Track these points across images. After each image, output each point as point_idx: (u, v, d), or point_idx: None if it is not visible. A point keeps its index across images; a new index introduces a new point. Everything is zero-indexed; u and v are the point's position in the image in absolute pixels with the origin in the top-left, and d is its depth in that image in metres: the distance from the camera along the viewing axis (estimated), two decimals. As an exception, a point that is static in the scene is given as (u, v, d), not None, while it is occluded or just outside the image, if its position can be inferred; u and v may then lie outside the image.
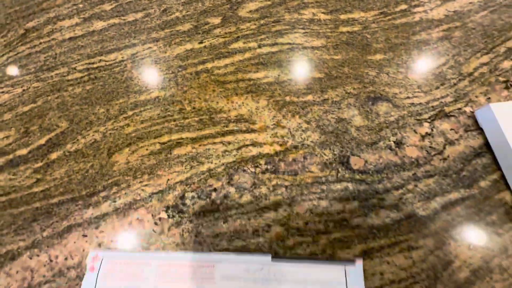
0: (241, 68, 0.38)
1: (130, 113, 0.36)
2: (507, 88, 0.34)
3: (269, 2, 0.42)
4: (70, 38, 0.42)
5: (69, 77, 0.39)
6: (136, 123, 0.35)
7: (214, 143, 0.33)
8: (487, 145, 0.31)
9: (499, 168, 0.30)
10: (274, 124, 0.34)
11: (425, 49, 0.37)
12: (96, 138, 0.34)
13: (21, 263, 0.29)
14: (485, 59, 0.36)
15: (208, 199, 0.30)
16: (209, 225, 0.29)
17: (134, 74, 0.38)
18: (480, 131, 0.32)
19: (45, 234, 0.30)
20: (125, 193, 0.31)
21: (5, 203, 0.32)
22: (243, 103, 0.35)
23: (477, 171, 0.30)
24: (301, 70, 0.37)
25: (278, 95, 0.35)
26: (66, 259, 0.29)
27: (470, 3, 0.40)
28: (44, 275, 0.28)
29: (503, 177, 0.29)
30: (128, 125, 0.35)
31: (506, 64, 0.35)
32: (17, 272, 0.29)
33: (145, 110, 0.36)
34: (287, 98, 0.35)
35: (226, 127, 0.34)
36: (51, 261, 0.29)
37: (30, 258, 0.29)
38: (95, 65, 0.39)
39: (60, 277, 0.28)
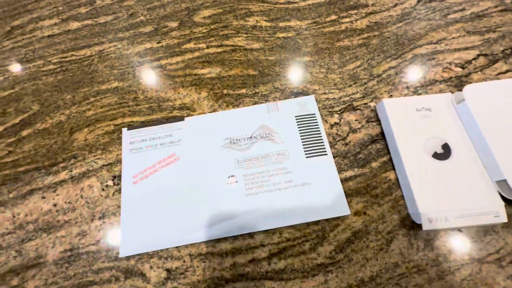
0: (189, 65, 0.44)
1: (92, 99, 0.42)
2: (407, 87, 0.40)
3: (220, 10, 0.49)
4: (49, 36, 0.49)
5: (44, 68, 0.45)
6: (96, 108, 0.41)
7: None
8: (382, 133, 0.37)
9: (388, 152, 0.36)
10: (210, 111, 0.40)
11: (345, 53, 0.43)
12: (61, 119, 0.41)
13: (-11, 218, 0.35)
14: (393, 63, 0.42)
15: (111, 181, 0.36)
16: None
17: (99, 67, 0.45)
18: (379, 122, 0.38)
19: (11, 195, 0.36)
20: (81, 164, 0.37)
21: (-20, 170, 0.38)
22: (187, 94, 0.42)
23: (371, 154, 0.36)
24: (239, 67, 0.43)
25: (217, 88, 0.42)
26: (26, 215, 0.35)
27: (390, 15, 0.46)
28: (7, 228, 0.34)
29: (390, 160, 0.36)
30: (89, 109, 0.41)
31: (410, 68, 0.41)
32: (-15, 225, 0.35)
33: (105, 97, 0.42)
34: (225, 91, 0.41)
35: (171, 113, 0.40)
36: (13, 217, 0.35)
37: (-3, 214, 0.35)
38: (67, 59, 0.46)
39: (20, 229, 0.34)
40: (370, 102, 0.39)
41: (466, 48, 0.42)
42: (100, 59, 0.46)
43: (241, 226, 0.32)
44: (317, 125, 0.37)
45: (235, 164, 0.35)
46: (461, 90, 0.36)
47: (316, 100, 0.40)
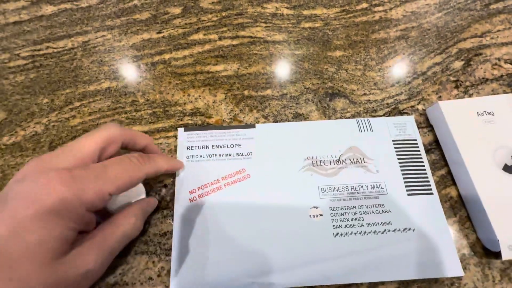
0: (200, 60, 0.36)
1: (77, 104, 0.33)
2: (456, 87, 0.35)
3: (232, -6, 0.41)
4: (15, 22, 0.39)
5: (11, 64, 0.36)
6: (84, 115, 0.33)
7: (167, 137, 0.32)
8: (436, 141, 0.32)
9: (446, 164, 0.31)
10: (230, 118, 0.33)
11: (383, 47, 0.37)
12: (37, 130, 0.32)
13: None
14: (438, 59, 0.37)
15: (157, 195, 0.29)
16: (157, 223, 0.28)
17: (84, 63, 0.36)
18: (431, 128, 0.33)
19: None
20: (66, 190, 0.29)
21: None
22: (199, 96, 0.34)
23: (426, 167, 0.31)
24: (260, 63, 0.36)
25: (237, 89, 0.34)
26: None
27: (427, 4, 0.41)
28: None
29: (449, 173, 0.30)
30: (74, 116, 0.33)
31: (457, 65, 0.36)
32: None
33: (94, 101, 0.33)
34: (246, 92, 0.34)
35: (181, 120, 0.32)
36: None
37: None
38: (41, 52, 0.36)
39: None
40: (418, 104, 0.34)
41: (514, 42, 0.38)
42: (85, 53, 0.36)
43: (326, 276, 0.25)
44: (420, 154, 0.30)
45: (319, 193, 0.28)
46: (523, 91, 0.31)
47: (356, 102, 0.34)
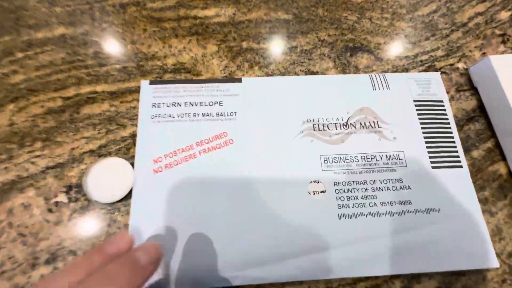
0: (184, 2, 0.28)
1: (20, 55, 0.25)
2: (503, 42, 0.28)
3: None
4: None
5: None
6: (29, 69, 0.24)
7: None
8: (481, 108, 0.26)
9: (493, 135, 0.25)
10: (225, 76, 0.25)
11: (415, -8, 0.30)
12: (-35, 89, 0.24)
13: None
14: (480, 8, 0.30)
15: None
16: (128, 210, 0.21)
17: (30, 2, 0.27)
18: (474, 91, 0.26)
19: None
20: (6, 168, 0.22)
21: None
22: (184, 48, 0.26)
23: (470, 139, 0.25)
24: (263, 8, 0.28)
25: (233, 40, 0.27)
26: None
27: None
28: None
29: (497, 145, 0.25)
30: (16, 71, 0.24)
31: (503, 15, 0.30)
32: None
33: (43, 52, 0.25)
34: (244, 44, 0.27)
35: (160, 78, 0.25)
36: None
37: None
38: (-30, -13, 0.27)
39: None
40: (458, 62, 0.27)
41: None
42: (31, -11, 0.28)
43: (328, 268, 0.19)
44: (447, 119, 0.24)
45: (321, 164, 0.22)
46: None
47: (382, 59, 0.27)
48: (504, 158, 0.24)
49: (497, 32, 0.29)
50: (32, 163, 0.22)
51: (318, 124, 0.23)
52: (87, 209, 0.21)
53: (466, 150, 0.24)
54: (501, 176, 0.24)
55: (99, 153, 0.22)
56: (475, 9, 0.30)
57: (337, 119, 0.23)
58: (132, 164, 0.21)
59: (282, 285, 0.20)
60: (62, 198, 0.21)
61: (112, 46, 0.26)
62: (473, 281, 0.21)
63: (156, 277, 0.19)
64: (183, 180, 0.21)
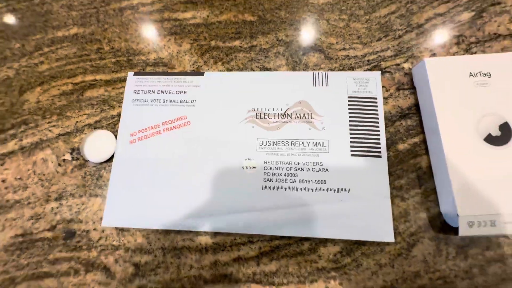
0: (169, 5, 0.34)
1: (46, 49, 0.33)
2: (457, 43, 0.30)
3: None
4: (-8, -36, 0.38)
5: (-12, 8, 0.36)
6: (51, 61, 0.33)
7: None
8: (417, 106, 0.28)
9: (422, 131, 0.27)
10: (193, 70, 0.31)
11: (377, -6, 0.32)
12: (9, 74, 0.33)
13: None
14: (442, 9, 0.31)
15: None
16: (111, 168, 0.28)
17: (54, 7, 0.35)
18: (414, 90, 0.29)
19: (-47, 167, 0.30)
20: (33, 133, 0.30)
21: None
22: (164, 45, 0.32)
23: (399, 133, 0.28)
24: (232, 11, 0.33)
25: (203, 39, 0.32)
26: (-29, 192, 0.29)
27: None
28: (-50, 205, 0.29)
29: (424, 141, 0.27)
30: (42, 62, 0.33)
31: (464, 16, 0.30)
32: None
33: (61, 47, 0.33)
34: (212, 43, 0.32)
35: (143, 70, 0.31)
36: (-43, 192, 0.29)
37: None
38: (15, -4, 0.36)
39: (-35, 208, 0.29)
40: (405, 62, 0.30)
41: (548, -11, 0.30)
42: (56, -3, 0.35)
43: (248, 224, 0.25)
44: (377, 114, 0.27)
45: (257, 145, 0.27)
46: (537, 48, 0.25)
47: (332, 58, 0.30)
48: (427, 153, 0.27)
49: (454, 33, 0.30)
50: (50, 130, 0.30)
51: (260, 113, 0.28)
52: (84, 166, 0.29)
53: (393, 143, 0.27)
54: (421, 169, 0.27)
55: (95, 126, 0.30)
56: (435, 10, 0.31)
57: (277, 109, 0.28)
58: (116, 136, 0.29)
59: (214, 234, 0.26)
60: (68, 157, 0.29)
61: (111, 44, 0.33)
62: (371, 251, 0.25)
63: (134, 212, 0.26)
64: (150, 150, 0.28)
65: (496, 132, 0.24)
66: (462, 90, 0.26)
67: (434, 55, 0.29)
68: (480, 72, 0.26)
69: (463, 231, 0.23)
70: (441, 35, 0.30)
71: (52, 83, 0.32)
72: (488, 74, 0.26)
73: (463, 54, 0.29)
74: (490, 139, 0.24)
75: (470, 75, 0.26)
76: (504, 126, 0.24)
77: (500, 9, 0.30)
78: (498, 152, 0.24)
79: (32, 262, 0.26)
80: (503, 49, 0.29)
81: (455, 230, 0.24)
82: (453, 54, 0.29)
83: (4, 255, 0.27)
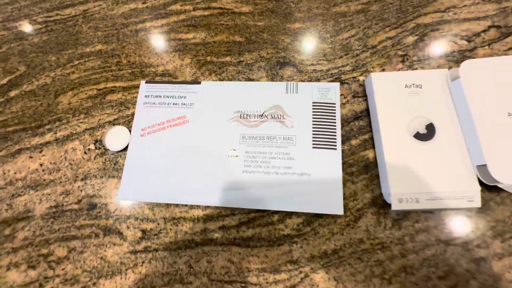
0: (174, 28, 0.42)
1: (76, 62, 0.42)
2: (402, 61, 0.37)
3: (210, -33, 0.45)
4: (34, -8, 0.47)
5: (30, 28, 0.45)
6: (80, 71, 0.41)
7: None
8: (367, 110, 0.35)
9: (371, 130, 0.35)
10: (192, 79, 0.39)
11: (341, 21, 0.40)
12: (47, 81, 0.41)
13: (-17, 173, 0.37)
14: (392, 33, 0.38)
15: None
16: (125, 156, 0.36)
17: (83, 29, 0.44)
18: (365, 97, 0.36)
19: (1, 153, 0.38)
20: (65, 127, 0.38)
21: (-27, 128, 0.40)
22: (170, 60, 0.40)
23: (352, 131, 0.35)
24: (225, 33, 0.41)
25: (201, 55, 0.40)
26: (15, 173, 0.37)
27: (397, -23, 0.41)
28: (-1, 183, 0.37)
29: (372, 138, 0.34)
30: (73, 72, 0.41)
31: (409, 39, 0.38)
32: (-20, 179, 0.37)
33: (88, 60, 0.41)
34: (208, 58, 0.40)
35: (153, 79, 0.39)
36: (4, 173, 0.37)
37: (-10, 170, 0.37)
38: (52, 19, 0.45)
39: (10, 185, 0.36)
40: (360, 76, 0.37)
41: (477, 18, 0.38)
42: (85, 20, 0.44)
43: (231, 200, 0.32)
44: (334, 116, 0.34)
45: (239, 139, 0.35)
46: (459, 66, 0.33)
47: (303, 71, 0.38)
48: (373, 147, 0.34)
49: (400, 53, 0.37)
50: (78, 126, 0.38)
51: (243, 114, 0.35)
52: (104, 154, 0.37)
53: (348, 139, 0.34)
54: (368, 159, 0.34)
55: (114, 123, 0.38)
56: (387, 34, 0.38)
57: (257, 111, 0.35)
58: (130, 130, 0.36)
59: (204, 207, 0.33)
60: (92, 147, 0.37)
61: (127, 58, 0.41)
62: (326, 222, 0.32)
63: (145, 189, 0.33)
64: (156, 142, 0.35)
65: (423, 131, 0.31)
66: (398, 98, 0.33)
67: (383, 70, 0.37)
68: (413, 84, 0.33)
69: (395, 206, 0.30)
70: (390, 54, 0.37)
71: (80, 88, 0.40)
72: (420, 86, 0.33)
73: (407, 70, 0.36)
74: (418, 136, 0.31)
75: (405, 86, 0.33)
76: (429, 126, 0.32)
77: (438, 35, 0.38)
78: (424, 146, 0.31)
79: (62, 227, 0.34)
80: (439, 66, 0.36)
81: (390, 206, 0.30)
82: (399, 70, 0.37)
83: (41, 221, 0.34)
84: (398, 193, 0.30)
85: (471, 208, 0.30)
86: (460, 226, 0.30)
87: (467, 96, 0.30)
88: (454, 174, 0.30)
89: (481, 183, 0.29)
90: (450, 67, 0.36)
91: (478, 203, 0.29)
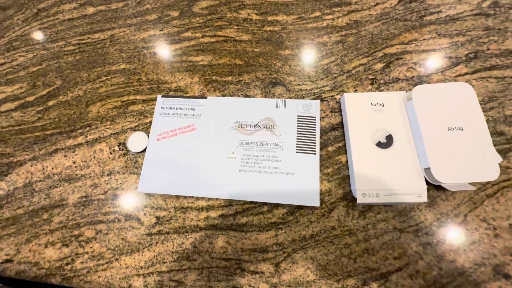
0: (186, 52, 0.51)
1: (104, 78, 0.50)
2: (372, 83, 0.45)
3: (217, 2, 0.54)
4: (69, 19, 0.56)
5: (66, 49, 0.53)
6: (107, 86, 0.49)
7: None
8: (342, 123, 0.43)
9: (344, 139, 0.42)
10: (199, 94, 0.47)
11: (322, 49, 0.48)
12: (79, 94, 0.49)
13: (25, 168, 0.45)
14: (364, 60, 0.47)
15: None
16: (144, 156, 0.44)
17: (110, 50, 0.52)
18: (341, 112, 0.44)
19: (41, 152, 0.46)
20: (94, 132, 0.46)
21: (17, 131, 0.48)
22: (182, 78, 0.49)
23: (329, 140, 0.43)
24: (228, 57, 0.49)
25: (208, 75, 0.48)
26: (52, 168, 0.45)
27: (370, 14, 0.50)
28: (39, 177, 0.44)
29: (344, 145, 0.42)
30: (101, 86, 0.49)
31: (378, 66, 0.46)
32: (22, 173, 0.45)
33: (114, 77, 0.50)
34: (213, 77, 0.48)
35: (167, 94, 0.48)
36: (43, 168, 0.45)
37: (31, 166, 0.45)
38: (84, 41, 0.54)
39: (48, 178, 0.44)
40: (337, 94, 0.45)
41: (433, 50, 0.46)
42: (111, 43, 0.53)
43: (229, 193, 0.40)
44: (314, 127, 0.43)
45: (237, 144, 0.43)
46: (414, 90, 0.41)
47: (291, 90, 0.46)
48: (345, 153, 0.42)
49: (370, 77, 0.46)
50: (105, 131, 0.46)
51: (241, 124, 0.44)
52: (126, 154, 0.44)
53: (325, 146, 0.42)
54: (341, 162, 0.41)
55: (135, 129, 0.46)
56: (360, 61, 0.47)
57: (252, 122, 0.44)
58: (148, 135, 0.44)
59: (208, 199, 0.41)
60: (116, 148, 0.45)
61: (147, 76, 0.50)
62: (306, 212, 0.39)
63: (161, 185, 0.41)
64: (170, 145, 0.43)
65: (383, 140, 0.39)
66: (365, 114, 0.41)
67: (356, 90, 0.45)
68: (377, 103, 0.41)
69: (360, 200, 0.37)
70: (361, 78, 0.46)
71: (107, 100, 0.48)
72: (382, 104, 0.41)
73: (375, 91, 0.45)
74: (380, 144, 0.39)
75: (371, 105, 0.41)
76: (388, 137, 0.39)
77: (401, 62, 0.46)
78: (384, 153, 0.39)
79: (90, 214, 0.41)
80: (401, 88, 0.44)
81: (356, 200, 0.38)
82: (369, 91, 0.45)
83: (73, 208, 0.42)
84: (363, 189, 0.37)
85: (421, 203, 0.38)
86: (412, 217, 0.38)
87: (417, 113, 0.38)
88: (407, 175, 0.38)
89: (428, 182, 0.37)
90: (410, 89, 0.44)
91: (425, 199, 0.37)
